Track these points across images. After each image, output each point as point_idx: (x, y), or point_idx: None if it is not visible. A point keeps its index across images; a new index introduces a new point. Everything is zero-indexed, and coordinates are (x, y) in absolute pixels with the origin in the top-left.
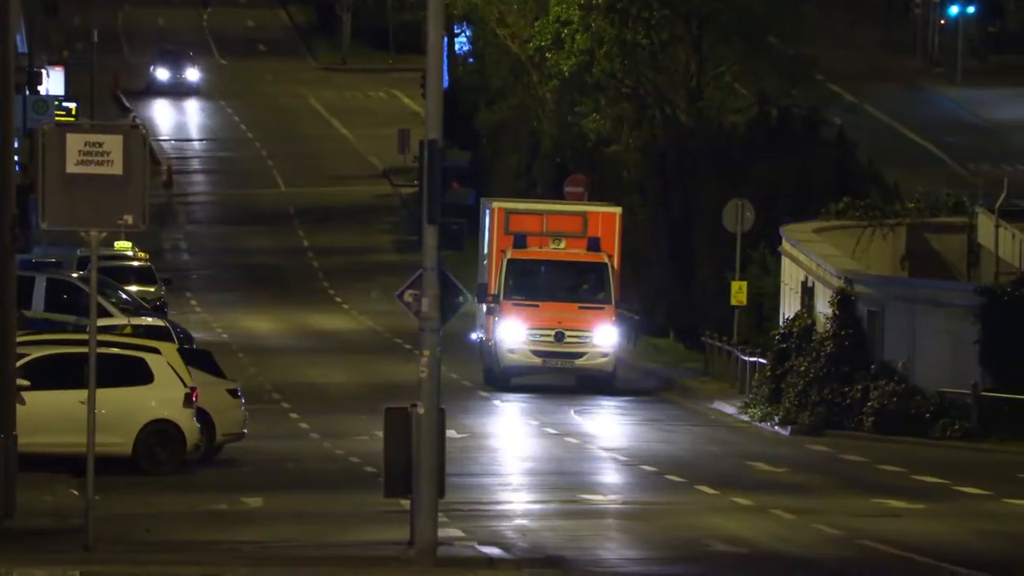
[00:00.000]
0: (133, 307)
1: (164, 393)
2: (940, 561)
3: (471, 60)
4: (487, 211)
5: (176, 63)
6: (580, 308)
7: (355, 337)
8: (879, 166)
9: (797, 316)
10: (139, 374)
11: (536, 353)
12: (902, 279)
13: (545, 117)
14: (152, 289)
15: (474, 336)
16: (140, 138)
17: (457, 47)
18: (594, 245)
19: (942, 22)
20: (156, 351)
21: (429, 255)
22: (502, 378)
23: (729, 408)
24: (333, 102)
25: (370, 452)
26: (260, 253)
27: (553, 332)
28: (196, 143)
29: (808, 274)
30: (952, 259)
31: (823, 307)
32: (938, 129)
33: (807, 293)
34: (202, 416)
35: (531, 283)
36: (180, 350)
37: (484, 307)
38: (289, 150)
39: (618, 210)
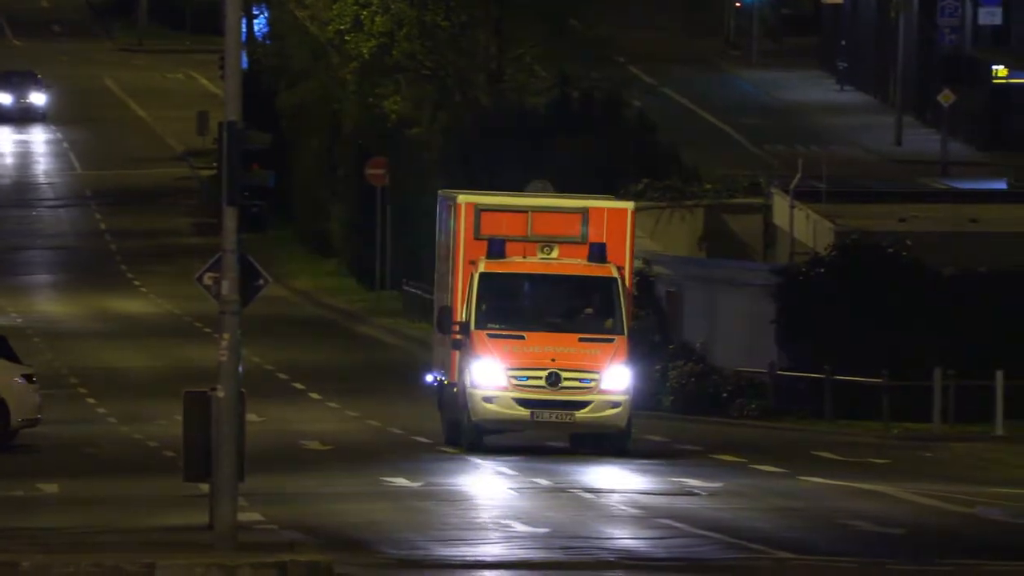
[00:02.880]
0: None
1: None
2: (737, 539)
3: (270, 42)
4: (447, 208)
5: None
6: (581, 341)
7: (154, 321)
8: (678, 147)
9: None
10: None
11: (522, 403)
12: (700, 260)
13: (346, 99)
14: None
15: (430, 378)
16: None
17: (256, 28)
18: (598, 253)
19: (738, 4)
20: None
21: (229, 237)
22: (472, 435)
23: None
24: (130, 83)
25: (169, 436)
26: (56, 236)
27: (545, 373)
28: None
29: None
30: (749, 239)
31: None
32: (735, 111)
33: None
34: None
35: (513, 306)
36: None
37: (445, 339)
38: (86, 132)
39: (630, 205)
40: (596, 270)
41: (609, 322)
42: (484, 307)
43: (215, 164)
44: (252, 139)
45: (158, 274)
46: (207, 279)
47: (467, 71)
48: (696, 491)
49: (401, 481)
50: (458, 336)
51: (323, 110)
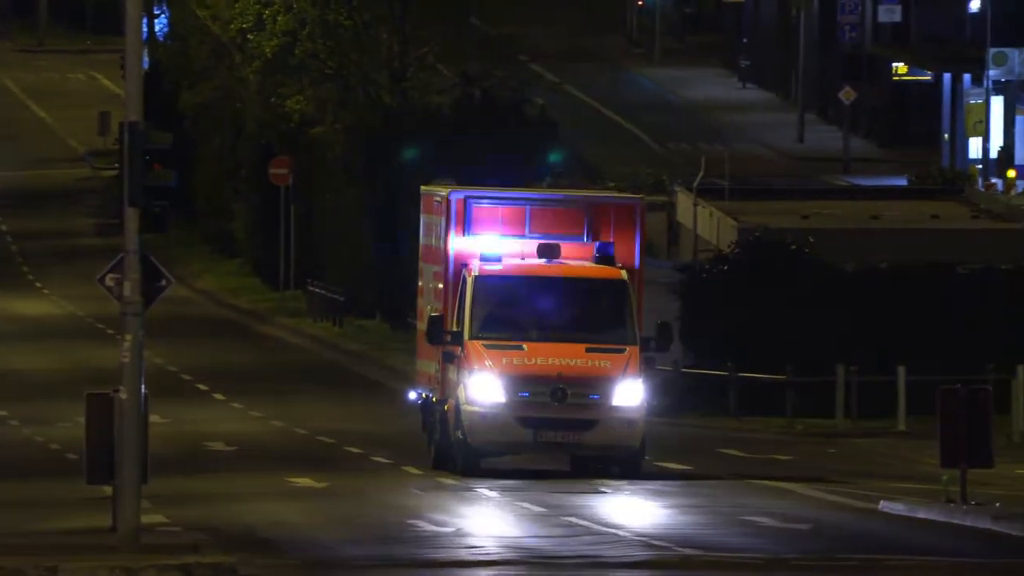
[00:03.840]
0: None
1: None
2: (642, 536)
3: (172, 41)
4: (432, 204)
5: None
6: (588, 351)
7: (56, 322)
8: (582, 146)
9: None
10: None
11: (524, 422)
12: None
13: (249, 98)
14: None
15: (413, 395)
16: None
17: (157, 28)
18: (605, 253)
19: (640, 3)
20: None
21: (131, 238)
22: (466, 459)
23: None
24: (31, 84)
25: (72, 439)
26: None
27: (549, 389)
28: None
29: None
30: (653, 237)
31: None
32: (638, 109)
33: None
34: None
35: (511, 313)
36: None
37: (433, 351)
38: None
39: (638, 200)
40: (603, 272)
41: (619, 330)
42: (479, 314)
43: (117, 165)
44: (154, 139)
45: (60, 275)
46: (109, 280)
47: (370, 70)
48: (602, 489)
49: (306, 481)
50: (450, 347)
51: (226, 110)
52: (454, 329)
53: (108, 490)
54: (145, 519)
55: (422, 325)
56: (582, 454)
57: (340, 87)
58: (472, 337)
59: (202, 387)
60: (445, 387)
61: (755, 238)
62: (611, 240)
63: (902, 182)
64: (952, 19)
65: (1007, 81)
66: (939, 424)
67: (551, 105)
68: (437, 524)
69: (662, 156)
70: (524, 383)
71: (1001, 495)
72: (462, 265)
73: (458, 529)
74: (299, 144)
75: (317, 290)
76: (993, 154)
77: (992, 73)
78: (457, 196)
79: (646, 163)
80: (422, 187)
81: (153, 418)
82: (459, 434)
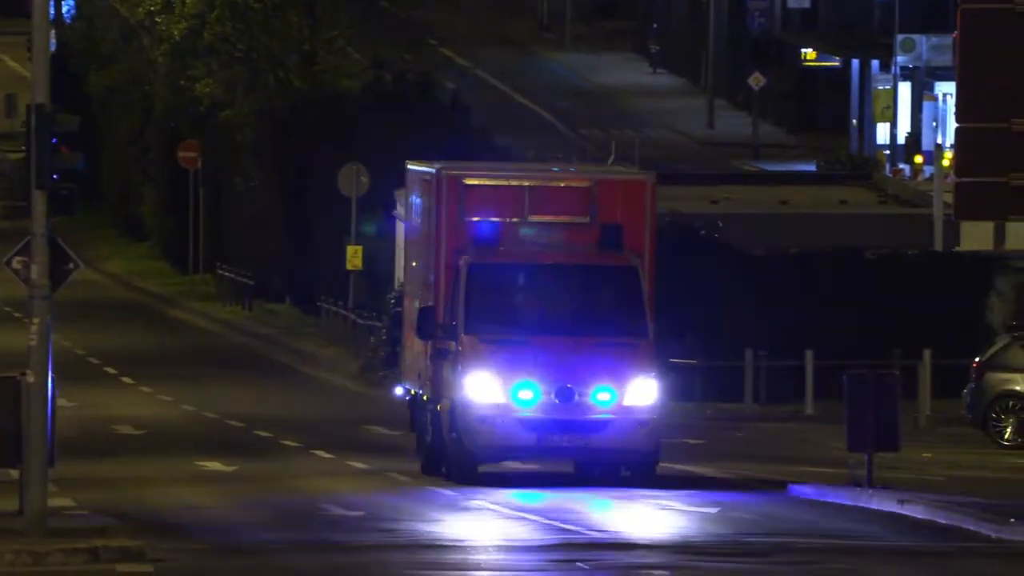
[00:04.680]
0: None
1: None
2: (551, 520)
3: (79, 23)
4: (421, 184)
5: None
6: (596, 346)
7: None
8: (492, 131)
9: None
10: None
11: (527, 424)
12: None
13: (157, 81)
14: None
15: (400, 391)
16: None
17: (65, 10)
18: (611, 237)
19: None
20: None
21: (39, 221)
22: (463, 464)
23: (345, 372)
24: None
25: None
26: None
27: (554, 388)
28: None
29: None
30: None
31: None
32: (549, 94)
33: None
34: None
35: (511, 305)
36: None
37: (421, 344)
38: None
39: (649, 177)
40: (611, 258)
41: (630, 322)
42: (475, 306)
43: (23, 147)
44: (61, 121)
45: None
46: (16, 263)
47: (280, 53)
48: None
49: (215, 465)
50: (444, 343)
51: (134, 92)
52: (446, 322)
53: (15, 474)
54: (52, 503)
55: (411, 316)
56: (590, 459)
57: (249, 70)
58: (468, 332)
59: (111, 371)
60: (437, 385)
61: (665, 223)
62: (619, 222)
63: (811, 168)
64: (860, 5)
65: (915, 67)
66: (846, 409)
67: (462, 90)
68: (346, 508)
69: (573, 141)
70: (526, 382)
71: (908, 479)
72: (454, 252)
73: (367, 513)
74: (208, 127)
75: (227, 274)
76: (901, 140)
77: (900, 59)
78: (449, 174)
79: (556, 148)
80: (408, 164)
81: (61, 402)
82: (454, 437)
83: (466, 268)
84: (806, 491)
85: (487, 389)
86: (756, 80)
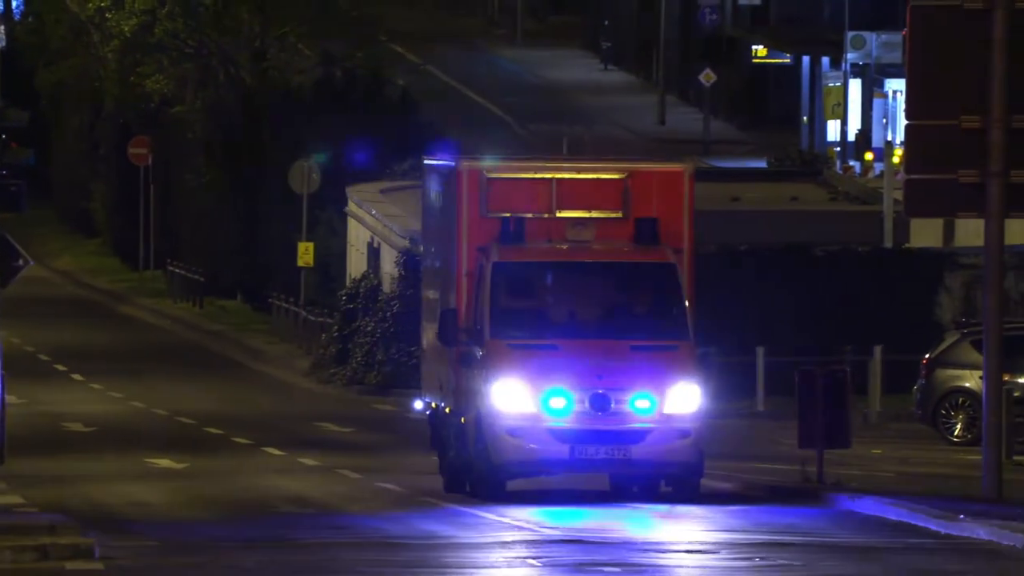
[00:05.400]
0: None
1: None
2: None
3: (29, 19)
4: (440, 178)
5: None
6: (633, 350)
7: None
8: (443, 127)
9: (364, 276)
10: None
11: (560, 435)
12: None
13: (107, 77)
14: None
15: (419, 405)
16: None
17: (14, 5)
18: (647, 232)
19: None
20: None
21: None
22: (490, 479)
23: (296, 369)
24: None
25: None
26: None
27: (588, 396)
28: None
29: (374, 234)
30: None
31: (390, 267)
32: (500, 90)
33: (373, 253)
34: None
35: (540, 307)
36: None
37: (445, 352)
38: None
39: (687, 167)
40: (647, 254)
41: (668, 323)
42: (502, 308)
43: None
44: (10, 117)
45: None
46: None
47: (230, 50)
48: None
49: (166, 462)
50: (468, 347)
51: (84, 88)
52: (470, 326)
53: None
54: (1, 500)
55: (431, 323)
56: (628, 472)
57: (200, 66)
58: (494, 336)
59: (60, 367)
60: (461, 396)
61: None
62: (655, 216)
63: (762, 164)
64: (811, 2)
65: (865, 64)
66: (797, 406)
67: (413, 86)
68: (296, 504)
69: (524, 138)
70: (558, 390)
71: (858, 475)
72: (479, 250)
73: (317, 511)
74: (159, 124)
75: (178, 270)
76: (851, 137)
77: (850, 56)
78: (470, 167)
79: (507, 144)
80: (425, 160)
81: (10, 399)
82: (481, 452)
83: (491, 268)
84: (757, 488)
85: (515, 398)
86: (707, 77)
